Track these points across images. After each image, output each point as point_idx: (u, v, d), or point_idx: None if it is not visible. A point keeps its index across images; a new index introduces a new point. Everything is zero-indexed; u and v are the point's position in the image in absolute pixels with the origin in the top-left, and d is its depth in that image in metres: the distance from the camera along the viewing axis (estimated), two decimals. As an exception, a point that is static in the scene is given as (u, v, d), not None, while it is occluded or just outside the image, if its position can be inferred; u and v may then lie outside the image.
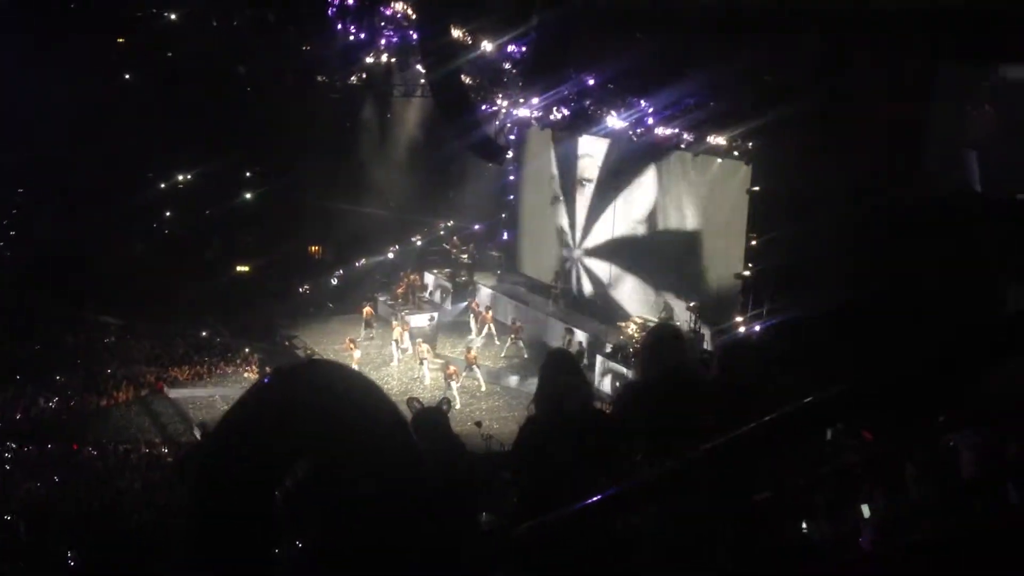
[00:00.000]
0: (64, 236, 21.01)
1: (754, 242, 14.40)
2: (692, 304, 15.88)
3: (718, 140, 15.29)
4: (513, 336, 18.76)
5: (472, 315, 20.00)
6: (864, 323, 10.94)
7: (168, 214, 23.54)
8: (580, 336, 17.83)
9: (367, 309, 19.69)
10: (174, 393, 17.78)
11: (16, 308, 19.79)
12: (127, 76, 22.91)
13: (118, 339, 19.85)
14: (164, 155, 22.41)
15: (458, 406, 16.11)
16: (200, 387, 18.14)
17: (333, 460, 1.47)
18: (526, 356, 18.18)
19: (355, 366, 12.92)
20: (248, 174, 23.77)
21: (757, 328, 13.57)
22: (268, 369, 16.66)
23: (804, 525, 4.95)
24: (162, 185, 23.28)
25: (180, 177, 23.47)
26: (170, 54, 22.78)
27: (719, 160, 15.64)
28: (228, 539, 1.43)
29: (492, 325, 19.20)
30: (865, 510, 5.69)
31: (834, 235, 12.23)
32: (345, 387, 1.53)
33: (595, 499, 2.78)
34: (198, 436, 15.29)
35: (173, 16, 22.94)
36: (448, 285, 21.32)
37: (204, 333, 20.33)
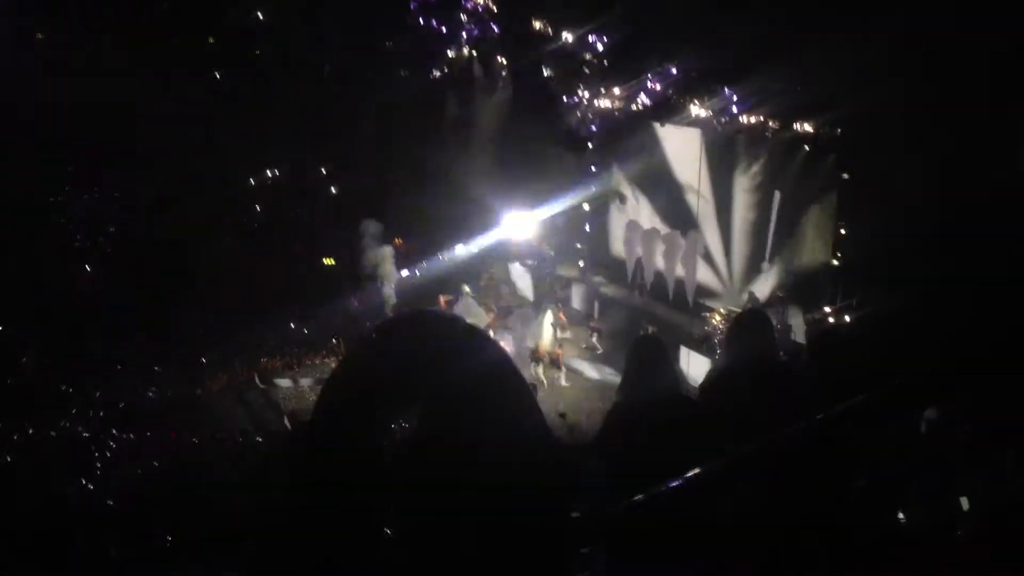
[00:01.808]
0: (157, 231, 21.69)
1: (843, 230, 14.09)
2: (779, 294, 15.61)
3: (805, 127, 14.99)
4: (594, 327, 18.70)
5: (555, 306, 20.01)
6: (960, 313, 10.62)
7: (257, 209, 24.11)
8: (662, 323, 17.70)
9: (442, 300, 19.85)
10: (264, 383, 18.24)
11: (116, 300, 20.52)
12: (217, 75, 23.51)
13: (211, 330, 20.41)
14: (252, 151, 22.95)
15: (546, 386, 16.28)
16: (289, 377, 18.57)
17: (446, 409, 1.47)
18: (607, 347, 18.13)
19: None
20: (333, 169, 24.19)
21: (848, 318, 13.28)
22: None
23: (901, 515, 4.85)
24: (251, 180, 23.86)
25: (268, 172, 24.01)
26: (258, 52, 23.33)
27: (806, 147, 15.31)
28: (338, 501, 1.46)
29: (563, 319, 19.23)
30: (964, 503, 5.55)
31: (927, 223, 11.89)
32: (457, 335, 1.53)
33: (684, 479, 2.77)
34: (288, 426, 15.65)
35: (260, 16, 23.52)
36: (530, 276, 21.37)
37: (292, 324, 20.77)
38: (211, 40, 23.95)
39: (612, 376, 16.49)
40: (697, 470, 3.10)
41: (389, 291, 20.68)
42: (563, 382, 17.14)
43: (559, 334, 18.82)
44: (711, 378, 5.87)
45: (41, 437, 15.58)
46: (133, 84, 20.43)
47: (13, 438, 15.28)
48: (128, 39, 21.26)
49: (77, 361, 18.32)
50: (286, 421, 15.95)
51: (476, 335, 1.54)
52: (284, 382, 18.42)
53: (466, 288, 19.08)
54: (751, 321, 5.19)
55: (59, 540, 11.80)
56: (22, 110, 19.64)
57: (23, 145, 19.84)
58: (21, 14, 19.99)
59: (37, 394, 16.92)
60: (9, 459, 14.63)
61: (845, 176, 14.26)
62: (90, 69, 20.36)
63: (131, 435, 15.78)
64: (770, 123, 15.69)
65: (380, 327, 1.54)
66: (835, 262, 14.12)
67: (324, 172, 24.36)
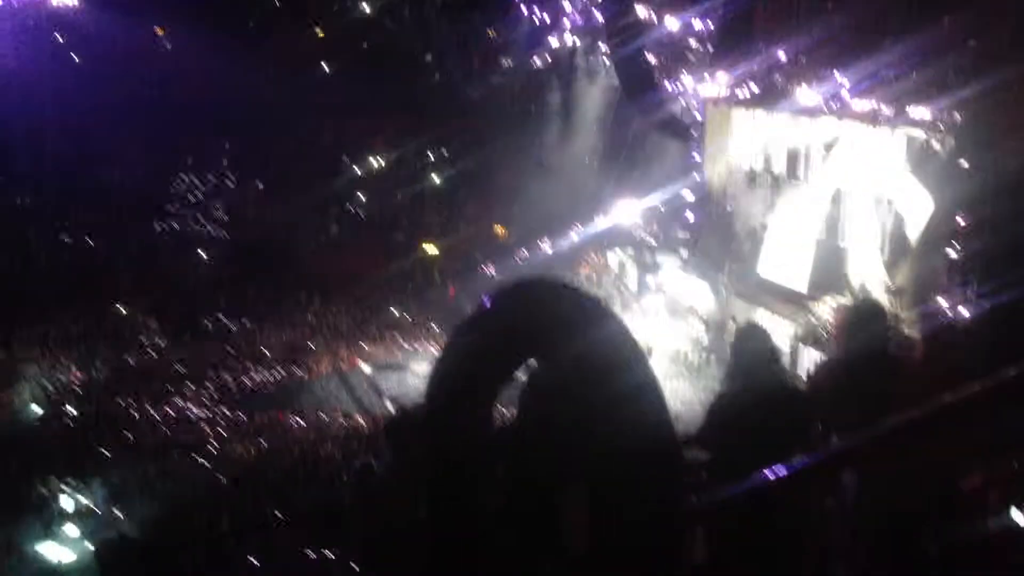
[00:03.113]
0: (267, 219, 22.34)
1: (960, 220, 13.50)
2: (891, 286, 15.08)
3: (919, 113, 14.40)
4: (696, 316, 18.46)
5: (656, 296, 19.82)
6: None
7: (362, 197, 24.58)
8: (765, 316, 17.30)
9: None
10: (368, 367, 18.60)
11: (229, 287, 21.26)
12: (325, 66, 24.03)
13: (317, 316, 20.95)
14: (358, 141, 23.40)
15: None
16: (392, 362, 18.89)
17: (556, 382, 1.40)
18: (709, 337, 17.88)
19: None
20: (436, 158, 24.48)
21: (965, 311, 12.74)
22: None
23: (1016, 514, 4.65)
24: (356, 169, 24.33)
25: (372, 162, 24.45)
26: (365, 44, 23.75)
27: (919, 134, 14.72)
28: (445, 474, 1.43)
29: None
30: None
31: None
32: (576, 303, 1.42)
33: (785, 472, 2.71)
34: (391, 409, 15.93)
35: (368, 8, 23.95)
36: (633, 265, 21.21)
37: (394, 311, 21.12)
38: (319, 33, 24.49)
39: (714, 366, 16.30)
40: (799, 463, 3.04)
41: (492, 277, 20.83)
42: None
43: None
44: (821, 371, 5.72)
45: (159, 415, 16.29)
46: (245, 77, 21.07)
47: (134, 416, 16.03)
48: (240, 34, 21.89)
49: (192, 344, 19.08)
50: (388, 404, 16.24)
51: (597, 305, 1.44)
52: (386, 366, 18.73)
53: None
54: (864, 313, 5.04)
55: (176, 512, 12.34)
56: (140, 105, 20.46)
57: (142, 137, 20.67)
58: (141, 12, 20.80)
59: (155, 375, 17.71)
60: (130, 436, 15.33)
61: (962, 163, 13.66)
62: (204, 64, 21.06)
63: (241, 414, 16.35)
64: (882, 108, 15.11)
65: (497, 291, 1.46)
66: (953, 253, 13.53)
67: (428, 161, 24.69)
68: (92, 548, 10.14)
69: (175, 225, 23.06)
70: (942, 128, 14.16)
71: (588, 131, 23.02)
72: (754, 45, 17.64)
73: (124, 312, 19.50)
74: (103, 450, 14.40)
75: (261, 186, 23.54)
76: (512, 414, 1.52)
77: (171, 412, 16.39)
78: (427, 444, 1.53)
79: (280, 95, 21.85)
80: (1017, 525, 4.77)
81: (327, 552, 8.39)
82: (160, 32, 22.63)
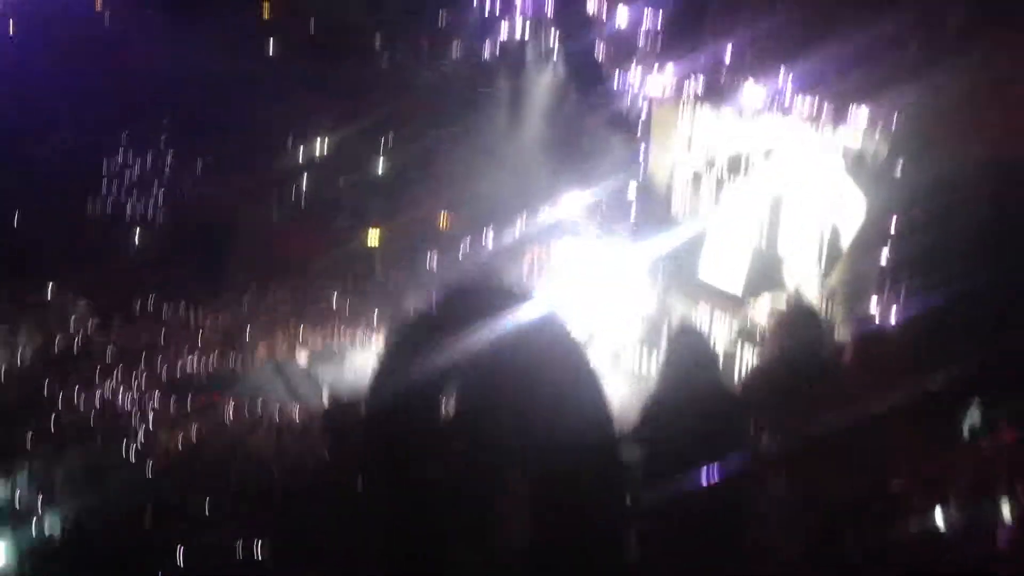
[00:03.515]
0: (204, 201, 21.91)
1: (893, 222, 13.75)
2: (826, 289, 15.32)
3: (858, 114, 14.63)
4: (635, 313, 18.53)
5: (596, 291, 19.85)
6: (1013, 310, 10.31)
7: (304, 181, 24.23)
8: (703, 314, 17.45)
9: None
10: (304, 357, 18.39)
11: (162, 270, 20.82)
12: (270, 46, 23.62)
13: (254, 303, 20.64)
14: (302, 123, 23.07)
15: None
16: (329, 351, 18.71)
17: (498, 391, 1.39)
18: (647, 334, 17.97)
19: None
20: (381, 143, 24.22)
21: (895, 313, 12.98)
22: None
23: (939, 516, 4.72)
24: (299, 152, 23.97)
25: (316, 145, 24.11)
26: (312, 24, 23.41)
27: (857, 134, 14.95)
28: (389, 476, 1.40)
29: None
30: (1006, 509, 5.39)
31: (981, 216, 11.57)
32: (515, 311, 1.44)
33: (719, 472, 2.72)
34: (325, 401, 15.75)
35: (314, -13, 23.60)
36: (575, 259, 21.22)
37: (334, 299, 20.92)
38: (265, 10, 24.09)
39: (650, 365, 16.38)
40: (732, 462, 3.03)
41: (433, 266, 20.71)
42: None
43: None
44: (755, 372, 5.76)
45: (87, 401, 15.89)
46: (186, 55, 20.60)
47: (60, 402, 15.60)
48: (181, 9, 21.42)
49: (123, 328, 18.65)
50: (324, 394, 16.08)
51: (538, 309, 1.44)
52: (324, 356, 18.54)
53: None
54: (798, 315, 5.10)
55: (104, 503, 12.04)
56: (74, 78, 19.91)
57: (75, 112, 20.13)
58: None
59: (83, 358, 17.28)
60: (56, 423, 14.93)
61: (898, 164, 13.88)
62: (143, 38, 20.57)
63: (173, 401, 16.03)
64: (823, 107, 15.31)
65: (435, 299, 1.46)
66: (886, 256, 13.76)
67: (373, 146, 24.44)
68: (14, 543, 9.84)
69: (108, 203, 22.52)
70: (880, 130, 14.39)
71: (536, 122, 22.96)
72: (701, 43, 17.75)
73: (52, 292, 18.98)
74: (27, 438, 13.97)
75: (200, 166, 23.06)
76: (453, 407, 1.50)
77: (100, 398, 16.00)
78: (367, 436, 1.51)
79: (222, 74, 21.42)
80: (940, 525, 4.84)
81: (261, 541, 8.25)
82: (98, 3, 22.00)
